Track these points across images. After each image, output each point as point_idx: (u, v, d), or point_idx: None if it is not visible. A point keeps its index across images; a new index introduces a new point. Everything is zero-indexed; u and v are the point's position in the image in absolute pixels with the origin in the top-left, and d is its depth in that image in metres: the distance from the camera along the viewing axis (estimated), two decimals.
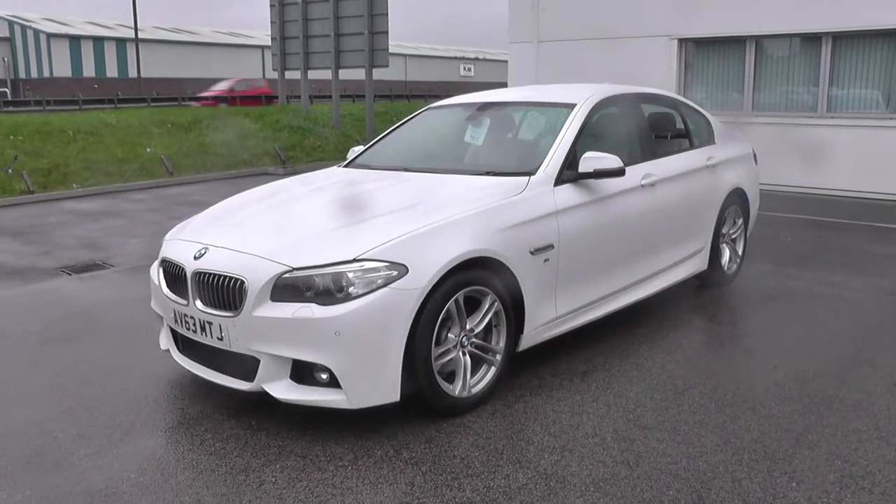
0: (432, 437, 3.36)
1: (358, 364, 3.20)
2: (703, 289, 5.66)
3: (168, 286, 3.75)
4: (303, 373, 3.29)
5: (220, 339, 3.40)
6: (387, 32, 16.76)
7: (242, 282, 3.31)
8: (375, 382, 3.25)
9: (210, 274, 3.44)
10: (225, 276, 3.38)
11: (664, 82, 10.34)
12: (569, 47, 12.18)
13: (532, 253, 3.76)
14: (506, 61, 13.74)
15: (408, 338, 3.24)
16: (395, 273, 3.22)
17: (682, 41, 11.45)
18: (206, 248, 3.57)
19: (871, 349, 4.40)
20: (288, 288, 3.26)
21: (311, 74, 18.72)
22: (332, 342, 3.16)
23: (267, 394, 3.32)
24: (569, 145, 4.24)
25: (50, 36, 49.91)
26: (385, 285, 3.20)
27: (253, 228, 3.82)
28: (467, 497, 2.88)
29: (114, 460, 3.21)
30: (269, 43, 19.87)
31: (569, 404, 3.68)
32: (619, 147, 4.58)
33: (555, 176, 4.07)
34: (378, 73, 18.03)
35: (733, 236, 5.83)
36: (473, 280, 3.49)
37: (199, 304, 3.48)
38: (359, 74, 17.62)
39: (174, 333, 3.84)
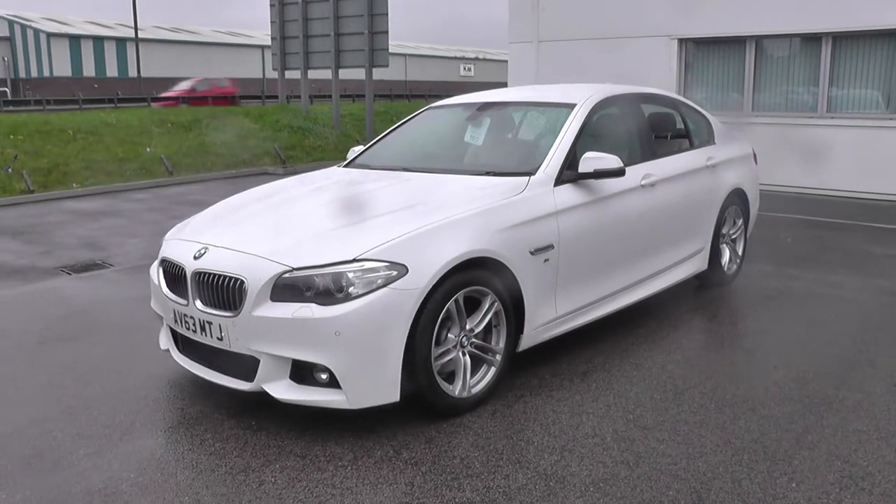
0: (432, 437, 3.36)
1: (358, 364, 3.20)
2: (703, 289, 5.66)
3: (168, 286, 3.75)
4: (302, 373, 3.29)
5: (220, 339, 3.40)
6: (387, 32, 16.76)
7: (242, 282, 3.31)
8: (375, 382, 3.25)
9: (210, 274, 3.44)
10: (225, 276, 3.38)
11: (664, 82, 10.33)
12: (569, 47, 12.18)
13: (532, 253, 3.76)
14: (506, 61, 13.74)
15: (408, 338, 3.24)
16: (394, 273, 3.22)
17: (682, 41, 11.45)
18: (206, 248, 3.57)
19: (871, 349, 4.40)
20: (288, 288, 3.26)
21: (311, 74, 18.71)
22: (332, 342, 3.15)
23: (267, 394, 3.32)
24: (569, 145, 4.24)
25: (50, 35, 49.90)
26: (385, 285, 3.20)
27: (253, 228, 3.81)
28: (467, 497, 2.88)
29: (113, 460, 3.21)
30: (269, 43, 19.87)
31: (569, 404, 3.68)
32: (619, 147, 4.58)
33: (555, 176, 4.07)
34: (378, 73, 18.03)
35: (733, 236, 5.83)
36: (473, 280, 3.49)
37: (198, 303, 3.48)
38: (359, 74, 17.62)
39: (174, 333, 3.84)
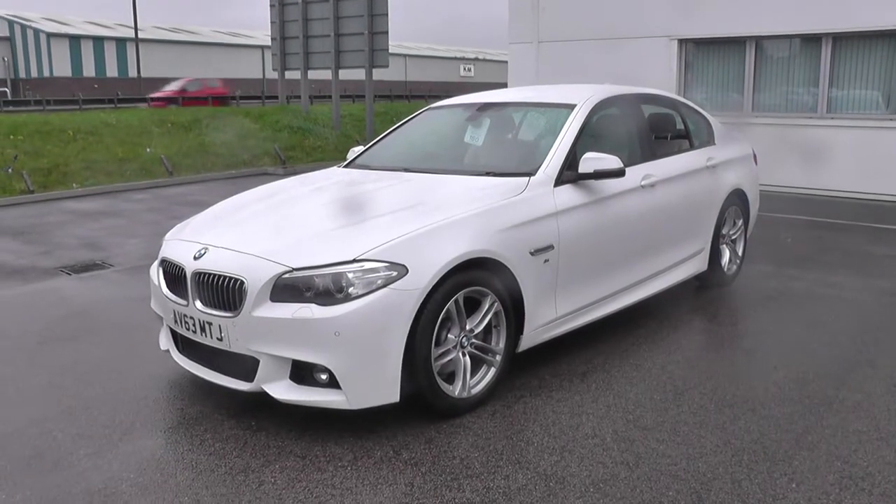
0: (432, 437, 3.36)
1: (357, 364, 3.20)
2: (703, 290, 5.66)
3: (168, 286, 3.75)
4: (302, 373, 3.29)
5: (220, 339, 3.40)
6: (387, 32, 16.76)
7: (242, 282, 3.31)
8: (375, 383, 3.25)
9: (210, 274, 3.44)
10: (225, 277, 3.38)
11: (664, 83, 10.33)
12: (569, 48, 12.18)
13: (532, 253, 3.76)
14: (506, 61, 13.75)
15: (407, 338, 3.24)
16: (394, 273, 3.22)
17: (682, 42, 11.45)
18: (206, 249, 3.57)
19: (871, 350, 4.40)
20: (288, 288, 3.26)
21: (311, 74, 18.72)
22: (332, 343, 3.15)
23: (266, 394, 3.32)
24: (569, 146, 4.24)
25: (50, 35, 49.90)
26: (385, 286, 3.20)
27: (253, 229, 3.81)
28: (467, 498, 2.88)
29: (113, 460, 3.21)
30: (269, 43, 19.87)
31: (568, 405, 3.68)
32: (619, 148, 4.58)
33: (555, 176, 4.07)
34: (378, 74, 18.02)
35: (733, 237, 5.83)
36: (473, 280, 3.49)
37: (198, 304, 3.48)
38: (359, 74, 17.62)
39: (174, 334, 3.84)
